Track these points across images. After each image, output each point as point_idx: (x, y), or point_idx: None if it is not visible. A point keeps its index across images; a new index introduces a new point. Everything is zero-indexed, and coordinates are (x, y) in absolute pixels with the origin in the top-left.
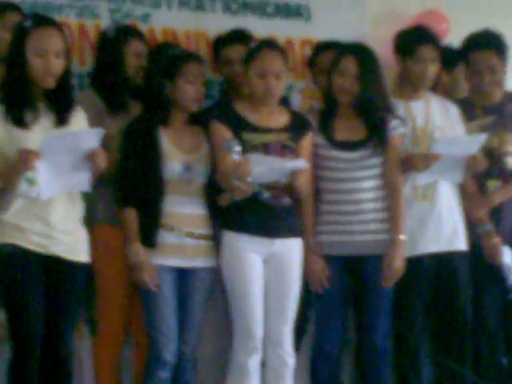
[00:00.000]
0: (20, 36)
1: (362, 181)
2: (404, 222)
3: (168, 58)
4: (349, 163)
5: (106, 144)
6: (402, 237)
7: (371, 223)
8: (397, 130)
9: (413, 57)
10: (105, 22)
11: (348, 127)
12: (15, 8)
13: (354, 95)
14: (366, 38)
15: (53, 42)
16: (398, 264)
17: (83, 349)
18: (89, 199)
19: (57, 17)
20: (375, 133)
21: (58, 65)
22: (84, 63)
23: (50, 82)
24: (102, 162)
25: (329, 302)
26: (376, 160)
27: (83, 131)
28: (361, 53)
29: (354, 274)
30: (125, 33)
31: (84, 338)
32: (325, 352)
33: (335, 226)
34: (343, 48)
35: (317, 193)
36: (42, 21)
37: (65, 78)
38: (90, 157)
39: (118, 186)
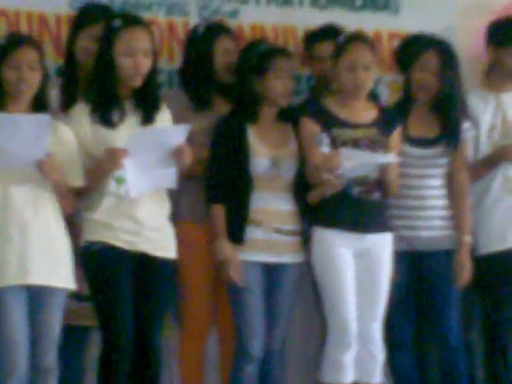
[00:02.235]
0: (109, 36)
1: (430, 178)
2: (470, 223)
3: (257, 54)
4: (420, 160)
5: (191, 141)
6: (468, 238)
7: (436, 219)
8: (469, 131)
9: (506, 48)
10: (193, 19)
11: (423, 124)
12: (106, 14)
13: (432, 91)
14: (455, 29)
15: (141, 41)
16: (466, 264)
17: (171, 342)
18: (172, 196)
19: (146, 15)
20: (449, 132)
21: (145, 64)
22: (173, 60)
23: (138, 81)
24: (188, 158)
25: (398, 293)
26: (446, 159)
27: (170, 128)
28: (442, 48)
29: (420, 270)
30: (214, 30)
31: (171, 332)
32: (398, 342)
33: (401, 221)
34: (424, 42)
35: None
36: (130, 20)
37: (151, 76)
38: (176, 153)
39: (206, 183)
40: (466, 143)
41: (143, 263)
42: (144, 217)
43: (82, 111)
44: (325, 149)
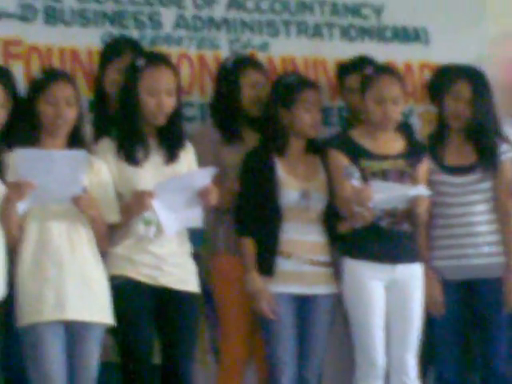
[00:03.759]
0: (132, 75)
1: (474, 205)
2: None
3: (284, 87)
4: (460, 188)
5: (222, 174)
6: None
7: (484, 246)
8: (507, 153)
9: None
10: (224, 52)
11: (458, 151)
12: (132, 46)
13: (466, 119)
14: (486, 58)
15: (164, 80)
16: None
17: (209, 377)
18: (209, 229)
19: (177, 49)
20: (486, 157)
21: (169, 103)
22: (204, 94)
23: (162, 120)
24: (214, 198)
25: (446, 327)
26: (487, 184)
27: (196, 171)
28: (474, 76)
29: (471, 298)
30: (242, 63)
31: (210, 367)
32: (445, 379)
33: (449, 251)
34: (456, 72)
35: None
36: (154, 59)
37: (175, 114)
38: (203, 194)
39: (236, 216)
40: (505, 165)
41: (165, 297)
42: (165, 253)
43: (107, 148)
44: (355, 182)
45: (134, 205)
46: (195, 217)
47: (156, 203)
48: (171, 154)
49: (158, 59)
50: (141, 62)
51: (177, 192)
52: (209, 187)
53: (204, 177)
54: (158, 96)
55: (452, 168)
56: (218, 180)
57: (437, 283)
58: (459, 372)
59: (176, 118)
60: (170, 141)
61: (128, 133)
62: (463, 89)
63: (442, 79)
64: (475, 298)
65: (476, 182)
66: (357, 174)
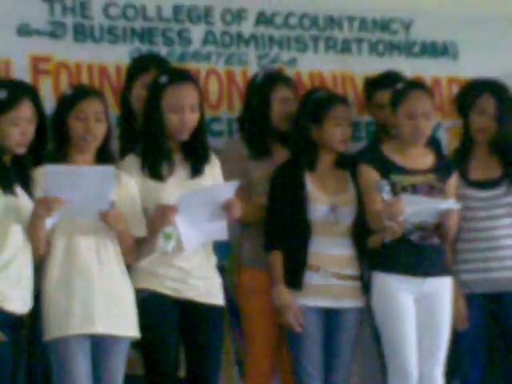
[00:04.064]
0: (156, 92)
1: (499, 219)
2: None
3: (314, 102)
4: (485, 202)
5: (252, 189)
6: None
7: (509, 260)
8: None
9: None
10: (252, 68)
11: (484, 166)
12: (157, 62)
13: (491, 134)
14: None
15: (187, 97)
16: None
17: None
18: (235, 243)
19: (205, 65)
20: (511, 171)
21: (193, 119)
22: (232, 109)
23: (185, 136)
24: (238, 212)
25: (471, 340)
26: None
27: (219, 185)
28: (499, 91)
29: (495, 312)
30: (272, 79)
31: (235, 380)
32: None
33: (473, 264)
34: (481, 86)
35: None
36: (177, 76)
37: (199, 129)
38: (226, 207)
39: (265, 230)
40: None
41: (190, 310)
42: (190, 266)
43: (132, 163)
44: (386, 196)
45: (156, 219)
46: (219, 230)
47: (178, 217)
48: (196, 169)
49: (180, 76)
50: (163, 79)
51: (200, 205)
52: (232, 201)
53: (227, 190)
54: (182, 113)
55: (477, 182)
56: (245, 194)
57: (461, 296)
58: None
59: (200, 132)
60: (195, 155)
61: (152, 149)
62: (488, 103)
63: (468, 94)
64: (500, 311)
65: (501, 196)
66: (387, 187)
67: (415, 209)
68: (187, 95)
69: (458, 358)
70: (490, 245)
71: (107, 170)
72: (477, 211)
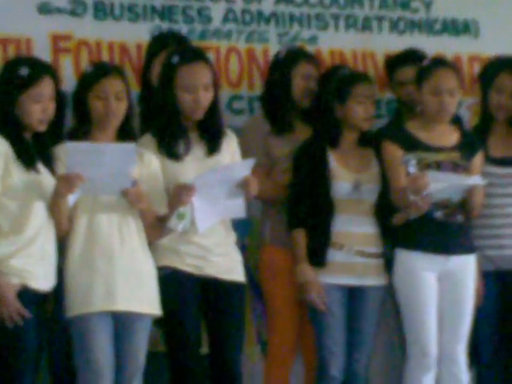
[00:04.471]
0: (168, 73)
1: None
2: None
3: (338, 80)
4: (502, 179)
5: (274, 166)
6: None
7: None
8: None
9: None
10: (273, 46)
11: (503, 143)
12: (177, 40)
13: (510, 111)
14: None
15: (200, 76)
16: None
17: (255, 368)
18: (256, 222)
19: (226, 43)
20: None
21: (206, 97)
22: (253, 87)
23: (200, 115)
24: (255, 189)
25: (484, 314)
26: None
27: (235, 163)
28: None
29: (506, 288)
30: (294, 55)
31: (256, 358)
32: (484, 362)
33: (487, 241)
34: (499, 64)
35: None
36: (189, 56)
37: (214, 107)
38: (243, 185)
39: (287, 208)
40: None
41: (211, 287)
42: (210, 243)
43: (148, 143)
44: (412, 169)
45: (172, 199)
46: (237, 208)
47: (194, 197)
48: (212, 146)
49: (192, 55)
50: (175, 58)
51: (217, 184)
52: (248, 178)
53: (244, 168)
54: (195, 92)
55: (496, 159)
56: (267, 172)
57: (478, 273)
58: (496, 357)
59: (214, 110)
60: (211, 133)
61: (168, 129)
62: (506, 81)
63: (487, 71)
64: (507, 290)
65: None
66: (413, 161)
67: (440, 185)
68: (200, 74)
69: (474, 334)
70: (505, 221)
71: (128, 146)
72: (494, 188)
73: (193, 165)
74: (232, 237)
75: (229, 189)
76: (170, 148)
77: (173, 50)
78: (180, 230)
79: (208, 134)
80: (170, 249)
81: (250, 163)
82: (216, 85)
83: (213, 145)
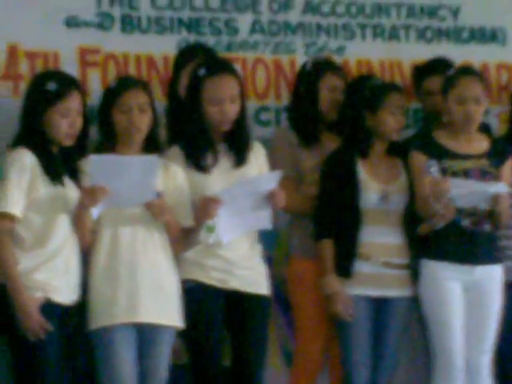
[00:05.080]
0: (195, 85)
1: None
2: None
3: (369, 90)
4: None
5: (302, 178)
6: None
7: None
8: None
9: None
10: (300, 56)
11: None
12: (204, 51)
13: None
14: None
15: (227, 88)
16: None
17: (279, 380)
18: (284, 234)
19: (252, 54)
20: None
21: (233, 110)
22: (279, 98)
23: (227, 127)
24: (281, 202)
25: (509, 325)
26: None
27: (261, 176)
28: None
29: None
30: (320, 67)
31: (280, 369)
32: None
33: (506, 251)
34: None
35: None
36: (215, 68)
37: (241, 118)
38: (270, 197)
39: (315, 218)
40: None
41: (236, 300)
42: (234, 256)
43: (176, 155)
44: (434, 174)
45: (199, 211)
46: (263, 219)
47: (221, 209)
48: (240, 158)
49: (218, 67)
50: (202, 71)
51: (243, 196)
52: (275, 190)
53: (270, 180)
54: (222, 104)
55: None
56: (295, 184)
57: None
58: None
59: (242, 121)
60: (238, 145)
61: (195, 141)
62: None
63: None
64: None
65: None
66: (436, 167)
67: (463, 192)
68: (226, 87)
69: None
70: None
71: (151, 159)
72: None
73: (220, 177)
74: (258, 249)
75: (255, 201)
76: (197, 160)
77: (199, 63)
78: (211, 243)
79: (235, 145)
80: (195, 262)
81: (277, 175)
82: (243, 96)
83: (240, 157)
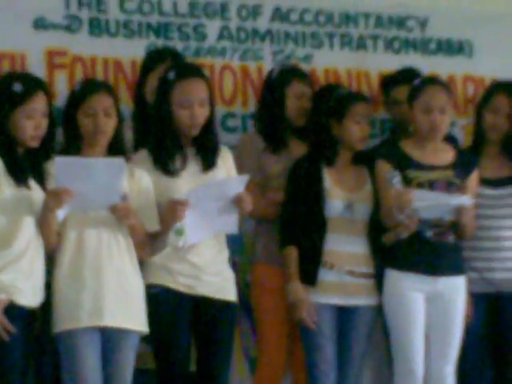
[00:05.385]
0: (164, 88)
1: (506, 219)
2: None
3: (335, 99)
4: (494, 200)
5: (268, 183)
6: None
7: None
8: None
9: None
10: (267, 63)
11: (495, 164)
12: (173, 55)
13: (503, 132)
14: None
15: (197, 92)
16: None
17: None
18: (248, 239)
19: (220, 60)
20: None
21: (202, 113)
22: (246, 105)
23: (196, 131)
24: (249, 206)
25: (474, 337)
26: None
27: (229, 179)
28: None
29: (494, 312)
30: (288, 74)
31: (245, 376)
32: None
33: (476, 263)
34: (495, 85)
35: None
36: (185, 72)
37: (209, 123)
38: (237, 201)
39: (280, 225)
40: None
41: (203, 305)
42: (202, 262)
43: (144, 159)
44: (396, 186)
45: (167, 215)
46: (229, 223)
47: (188, 212)
48: (208, 162)
49: (188, 71)
50: (171, 74)
51: (210, 199)
52: (242, 194)
53: (238, 184)
54: (191, 108)
55: (487, 180)
56: (261, 189)
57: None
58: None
59: (210, 126)
60: (206, 149)
61: (163, 145)
62: (502, 102)
63: (484, 92)
64: (500, 312)
65: (508, 196)
66: (398, 178)
67: (427, 204)
68: (196, 90)
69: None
70: (494, 245)
71: (117, 161)
72: (483, 209)
73: (188, 180)
74: (225, 254)
75: (222, 204)
76: (165, 164)
77: (169, 66)
78: (181, 246)
79: (204, 149)
80: (162, 267)
81: (244, 179)
82: (212, 101)
83: (208, 161)
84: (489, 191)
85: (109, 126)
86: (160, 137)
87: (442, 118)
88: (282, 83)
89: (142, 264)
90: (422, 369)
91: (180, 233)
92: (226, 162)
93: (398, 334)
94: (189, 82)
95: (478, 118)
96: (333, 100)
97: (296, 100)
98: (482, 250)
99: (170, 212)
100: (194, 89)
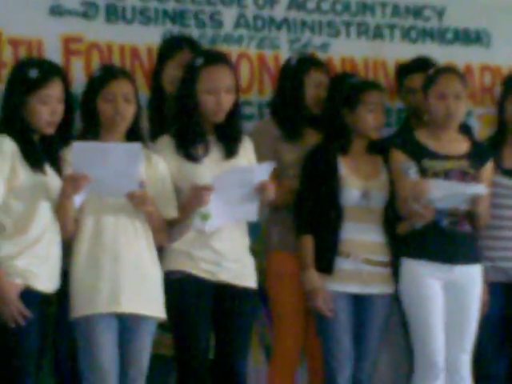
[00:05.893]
0: (191, 75)
1: None
2: None
3: (349, 87)
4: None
5: (282, 172)
6: None
7: None
8: None
9: None
10: (284, 52)
11: None
12: (190, 43)
13: None
14: None
15: (223, 79)
16: None
17: (260, 374)
18: (264, 226)
19: (237, 48)
20: None
21: (228, 100)
22: (263, 93)
23: (221, 118)
24: (272, 194)
25: (491, 325)
26: None
27: (255, 166)
28: None
29: (510, 301)
30: (306, 62)
31: (261, 364)
32: (489, 375)
33: (495, 252)
34: None
35: None
36: (212, 58)
37: (234, 111)
38: (260, 189)
39: (296, 213)
40: None
41: (223, 292)
42: (224, 248)
43: (167, 145)
44: (412, 176)
45: (192, 200)
46: (249, 211)
47: (212, 197)
48: (230, 150)
49: (215, 58)
50: (199, 61)
51: (234, 185)
52: (266, 182)
53: (263, 171)
54: (218, 94)
55: (508, 170)
56: (276, 177)
57: (483, 282)
58: (507, 372)
59: (234, 113)
60: (229, 136)
61: (187, 130)
62: None
63: (505, 83)
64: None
65: None
66: (414, 168)
67: (443, 193)
68: (223, 77)
69: (478, 343)
70: (511, 234)
71: (134, 146)
72: (504, 199)
73: (210, 167)
74: (246, 241)
75: (245, 192)
76: (188, 150)
77: (196, 53)
78: (207, 231)
79: (226, 137)
80: (183, 253)
81: (269, 167)
82: (237, 89)
83: (231, 148)
84: (507, 181)
85: (128, 111)
86: (184, 123)
87: (456, 105)
88: (300, 72)
89: (163, 250)
90: (443, 357)
91: (206, 217)
92: (247, 151)
93: (417, 323)
94: (216, 68)
95: (500, 110)
96: (346, 88)
97: (314, 88)
98: (500, 239)
99: (194, 197)
100: (221, 75)
